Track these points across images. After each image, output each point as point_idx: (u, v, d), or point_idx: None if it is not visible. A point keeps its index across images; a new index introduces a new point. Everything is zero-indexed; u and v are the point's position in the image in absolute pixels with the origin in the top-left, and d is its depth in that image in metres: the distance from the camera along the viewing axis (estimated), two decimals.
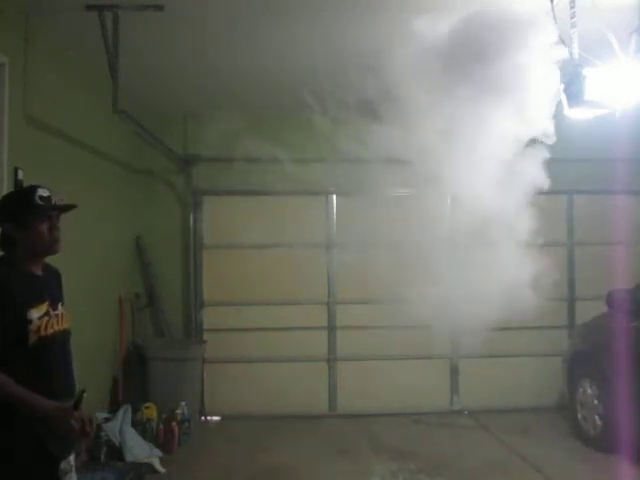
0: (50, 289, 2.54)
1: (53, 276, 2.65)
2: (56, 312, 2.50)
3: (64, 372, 2.53)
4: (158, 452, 5.33)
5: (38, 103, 4.18)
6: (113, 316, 6.11)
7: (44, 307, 2.42)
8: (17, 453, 2.33)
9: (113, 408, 5.68)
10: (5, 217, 2.48)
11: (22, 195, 2.57)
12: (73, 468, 2.57)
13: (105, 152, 5.65)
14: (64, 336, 2.54)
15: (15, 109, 3.88)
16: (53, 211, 2.50)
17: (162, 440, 5.56)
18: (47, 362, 2.41)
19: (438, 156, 3.86)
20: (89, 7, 3.96)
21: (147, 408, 5.75)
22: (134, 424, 5.45)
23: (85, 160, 5.22)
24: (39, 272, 2.52)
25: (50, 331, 2.42)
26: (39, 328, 2.37)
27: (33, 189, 2.50)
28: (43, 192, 2.49)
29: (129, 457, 5.03)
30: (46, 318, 2.41)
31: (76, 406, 2.31)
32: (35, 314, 2.37)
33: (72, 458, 2.57)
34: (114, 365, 6.05)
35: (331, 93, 5.72)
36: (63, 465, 2.47)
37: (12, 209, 2.49)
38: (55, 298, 2.54)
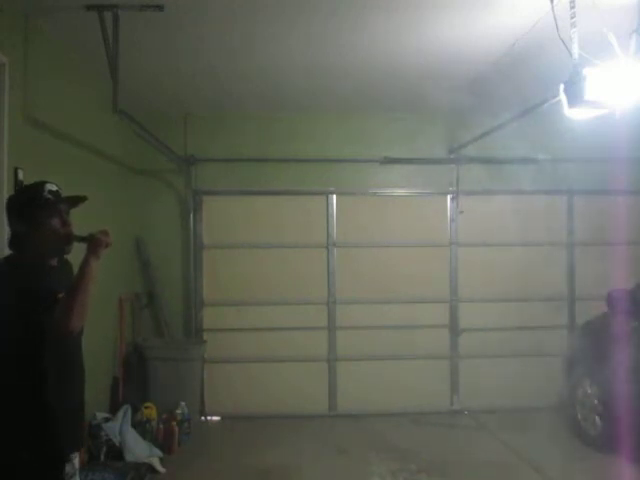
0: (63, 281, 2.49)
1: (64, 266, 2.61)
2: None
3: (80, 358, 2.63)
4: (158, 452, 5.32)
5: (38, 103, 4.18)
6: (113, 316, 6.11)
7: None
8: (29, 459, 2.32)
9: (113, 408, 5.68)
10: (15, 216, 2.41)
11: (30, 191, 2.48)
12: (77, 471, 2.56)
13: (105, 152, 5.65)
14: None
15: (15, 109, 3.88)
16: (63, 204, 2.43)
17: (162, 440, 5.55)
18: (71, 353, 2.48)
19: None
20: (89, 7, 3.95)
21: (147, 408, 5.75)
22: (134, 424, 5.45)
23: (85, 160, 5.22)
24: (54, 263, 2.49)
25: None
26: None
27: (41, 184, 2.43)
28: (51, 186, 2.42)
29: (129, 457, 5.03)
30: None
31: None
32: None
33: (77, 461, 2.57)
34: (114, 365, 6.05)
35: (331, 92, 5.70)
36: (68, 468, 2.46)
37: (21, 207, 2.41)
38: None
